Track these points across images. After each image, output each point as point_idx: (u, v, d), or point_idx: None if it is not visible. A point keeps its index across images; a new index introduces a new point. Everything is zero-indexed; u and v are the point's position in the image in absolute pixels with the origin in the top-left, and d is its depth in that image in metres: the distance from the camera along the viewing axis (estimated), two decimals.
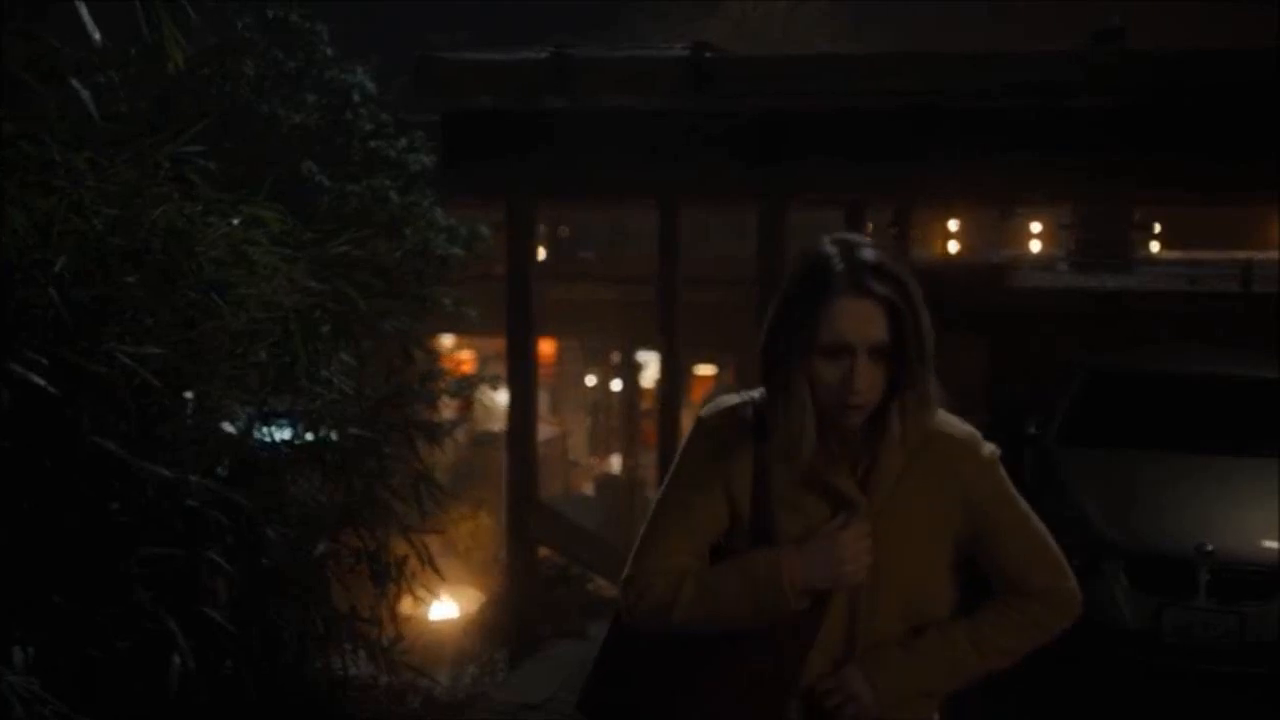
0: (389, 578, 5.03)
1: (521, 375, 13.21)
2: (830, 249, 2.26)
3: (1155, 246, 27.46)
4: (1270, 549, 6.16)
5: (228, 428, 4.38)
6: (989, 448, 2.40)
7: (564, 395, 26.09)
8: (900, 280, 2.22)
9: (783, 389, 2.26)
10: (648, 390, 22.33)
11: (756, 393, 2.36)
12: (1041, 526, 2.43)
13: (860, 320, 2.21)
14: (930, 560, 2.38)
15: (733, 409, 2.40)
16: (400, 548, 5.20)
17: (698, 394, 24.00)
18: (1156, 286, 17.01)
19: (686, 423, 22.54)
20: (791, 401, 2.25)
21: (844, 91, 12.06)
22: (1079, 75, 13.08)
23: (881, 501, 2.32)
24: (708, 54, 13.67)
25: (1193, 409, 7.51)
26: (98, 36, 2.73)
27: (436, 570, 5.28)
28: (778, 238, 12.68)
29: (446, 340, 19.80)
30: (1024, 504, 2.41)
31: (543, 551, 12.95)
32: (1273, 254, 20.78)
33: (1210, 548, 6.08)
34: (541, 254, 23.60)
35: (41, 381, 3.06)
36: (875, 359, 2.23)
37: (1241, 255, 19.18)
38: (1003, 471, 2.41)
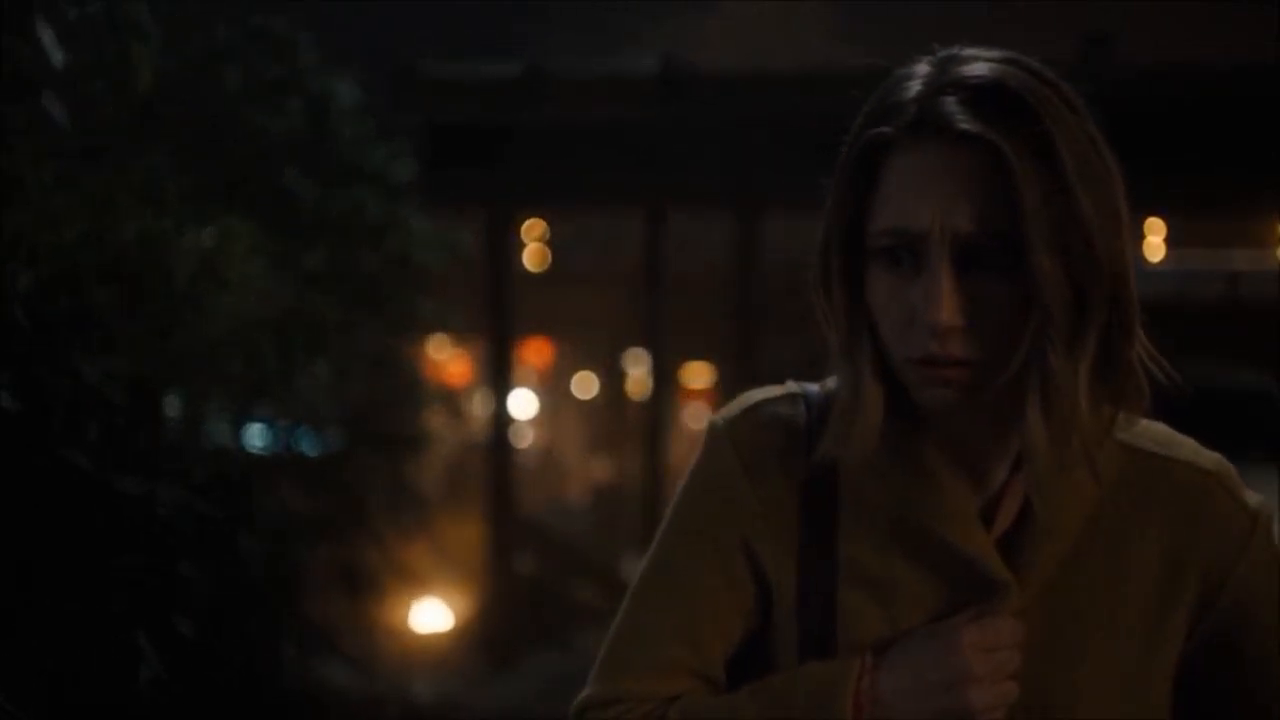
0: (365, 589, 5.07)
1: (500, 384, 13.25)
2: (921, 65, 1.21)
3: (1159, 254, 27.51)
4: None
5: (208, 438, 4.42)
6: (1254, 496, 1.28)
7: (558, 398, 26.08)
8: (1035, 112, 1.13)
9: (827, 328, 1.23)
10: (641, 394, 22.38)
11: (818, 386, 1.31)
12: None
13: (937, 185, 1.14)
14: (1135, 688, 1.24)
15: (766, 407, 1.31)
16: (377, 558, 5.24)
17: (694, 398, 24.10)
18: (1144, 294, 17.02)
19: (680, 426, 22.39)
20: (840, 349, 1.21)
21: (816, 102, 12.15)
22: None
23: (1046, 579, 1.22)
24: (677, 66, 13.79)
25: (1169, 420, 7.52)
26: (60, 58, 2.74)
27: (413, 581, 5.32)
28: (752, 244, 12.82)
29: (440, 345, 19.81)
30: None
31: (527, 561, 13.00)
32: (1263, 260, 20.79)
33: None
34: (540, 258, 23.62)
35: (7, 401, 3.08)
36: (978, 269, 1.14)
37: (1231, 262, 19.22)
38: (1277, 542, 1.27)
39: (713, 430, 1.32)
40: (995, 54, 1.20)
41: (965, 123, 1.14)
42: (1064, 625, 1.23)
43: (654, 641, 1.30)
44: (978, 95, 1.15)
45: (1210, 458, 1.29)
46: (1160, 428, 1.29)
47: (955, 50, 1.22)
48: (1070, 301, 1.14)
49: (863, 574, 1.24)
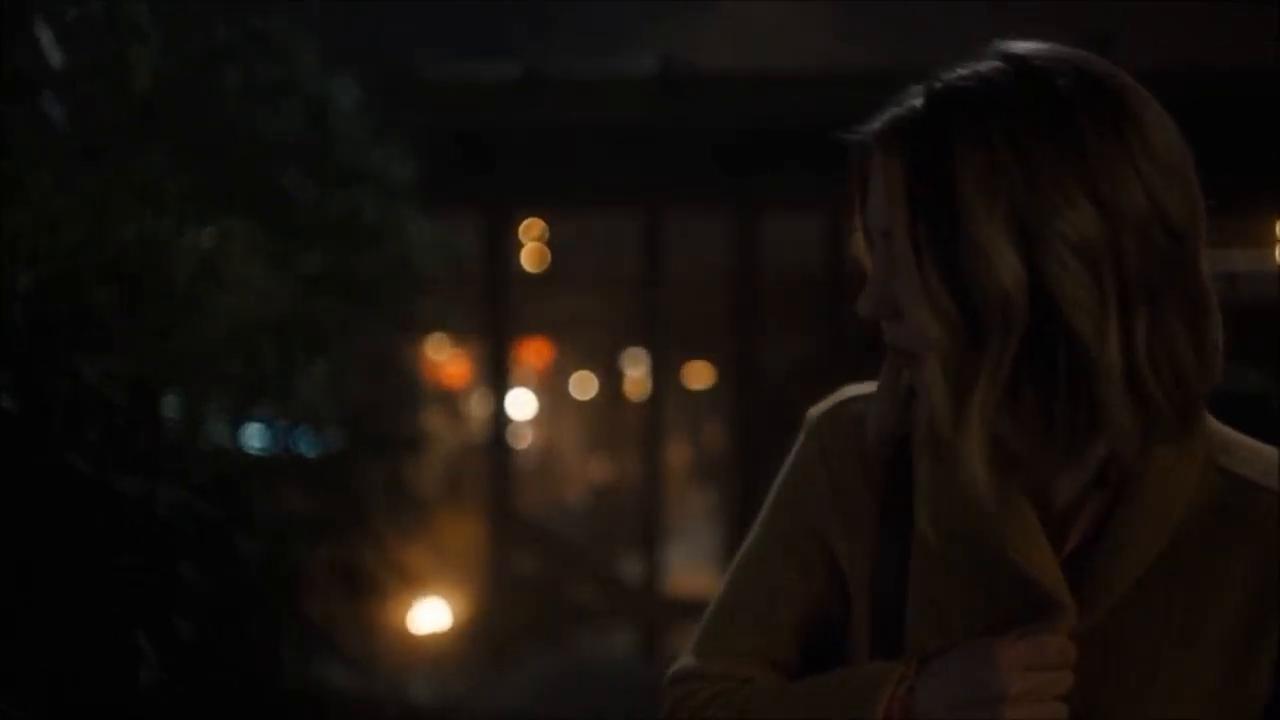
0: (365, 589, 5.07)
1: (499, 385, 13.25)
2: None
3: None
4: None
5: (207, 438, 4.42)
6: None
7: (557, 399, 26.08)
8: (945, 120, 1.12)
9: None
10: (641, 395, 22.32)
11: None
12: None
13: (878, 189, 1.18)
14: None
15: (856, 403, 1.31)
16: (376, 558, 5.24)
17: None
18: None
19: (675, 427, 22.40)
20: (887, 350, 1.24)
21: (818, 105, 12.14)
22: None
23: (1118, 602, 1.17)
24: (677, 67, 13.80)
25: None
26: (58, 59, 2.74)
27: (413, 582, 5.32)
28: (753, 244, 12.84)
29: (439, 346, 19.77)
30: None
31: (527, 561, 12.98)
32: (1263, 260, 20.77)
33: None
34: (538, 258, 23.59)
35: (7, 402, 3.08)
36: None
37: (1231, 263, 19.19)
38: None
39: (806, 423, 1.34)
40: (998, 50, 1.18)
41: (875, 126, 1.17)
42: (1133, 651, 1.17)
43: (733, 626, 1.34)
44: (920, 99, 1.16)
45: None
46: (1270, 454, 1.24)
47: (989, 47, 1.21)
48: (955, 322, 1.11)
49: (926, 582, 1.22)
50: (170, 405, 4.19)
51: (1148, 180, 1.10)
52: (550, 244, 27.38)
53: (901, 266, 1.13)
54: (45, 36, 2.71)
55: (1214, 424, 1.25)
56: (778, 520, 1.34)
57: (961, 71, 1.16)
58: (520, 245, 20.91)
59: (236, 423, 4.62)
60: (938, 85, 1.16)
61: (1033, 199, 1.08)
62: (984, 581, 1.19)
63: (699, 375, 24.00)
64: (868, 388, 1.32)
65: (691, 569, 16.10)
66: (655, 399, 14.34)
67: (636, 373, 22.22)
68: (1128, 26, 15.39)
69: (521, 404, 19.71)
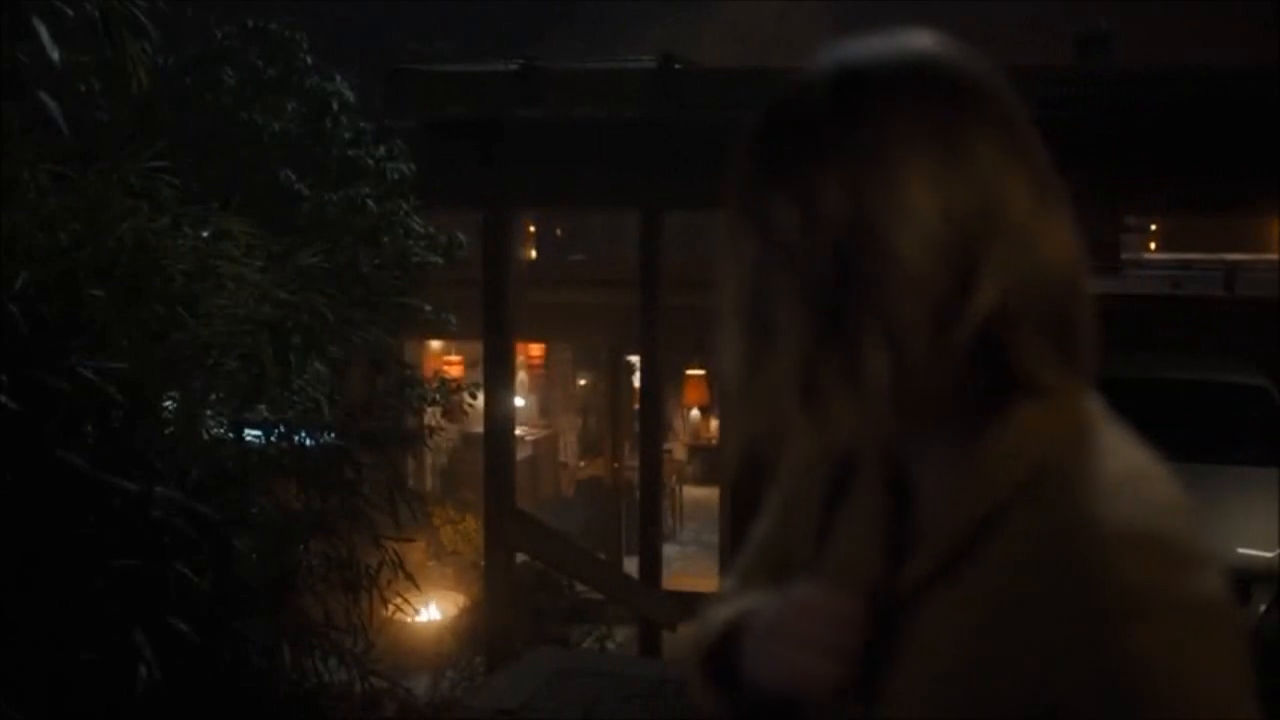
0: (361, 585, 5.06)
1: (499, 382, 13.22)
2: None
3: (1152, 245, 27.65)
4: (1246, 555, 6.18)
5: (204, 437, 4.41)
6: (1189, 587, 1.00)
7: (555, 397, 26.09)
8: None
9: None
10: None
11: None
12: None
13: None
14: None
15: None
16: (374, 555, 5.23)
17: (691, 397, 24.07)
18: (1141, 290, 17.06)
19: (677, 426, 22.00)
20: None
21: None
22: (1059, 89, 13.10)
23: (926, 576, 1.13)
24: (676, 65, 13.78)
25: (1170, 415, 7.54)
26: (56, 55, 2.74)
27: (410, 577, 5.31)
28: None
29: (435, 344, 19.78)
30: None
31: (524, 557, 12.98)
32: (1259, 256, 20.82)
33: None
34: (536, 256, 23.60)
35: (3, 398, 3.08)
36: None
37: (1230, 257, 19.23)
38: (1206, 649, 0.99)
39: None
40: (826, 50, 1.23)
41: None
42: (923, 635, 1.13)
43: (733, 568, 1.43)
44: None
45: (1124, 527, 1.02)
46: (1134, 469, 1.10)
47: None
48: (739, 298, 1.19)
49: (830, 544, 1.27)
50: (167, 404, 4.18)
51: (858, 190, 1.07)
52: (549, 242, 27.33)
53: None
54: (43, 35, 2.70)
55: (1105, 430, 1.14)
56: (772, 495, 1.41)
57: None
58: (520, 243, 20.90)
59: (234, 421, 4.62)
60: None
61: (752, 197, 1.14)
62: (826, 535, 1.28)
63: (697, 375, 24.03)
64: None
65: (690, 566, 16.09)
66: (655, 396, 14.33)
67: (636, 370, 22.21)
68: (1127, 26, 15.40)
69: (521, 401, 19.74)
